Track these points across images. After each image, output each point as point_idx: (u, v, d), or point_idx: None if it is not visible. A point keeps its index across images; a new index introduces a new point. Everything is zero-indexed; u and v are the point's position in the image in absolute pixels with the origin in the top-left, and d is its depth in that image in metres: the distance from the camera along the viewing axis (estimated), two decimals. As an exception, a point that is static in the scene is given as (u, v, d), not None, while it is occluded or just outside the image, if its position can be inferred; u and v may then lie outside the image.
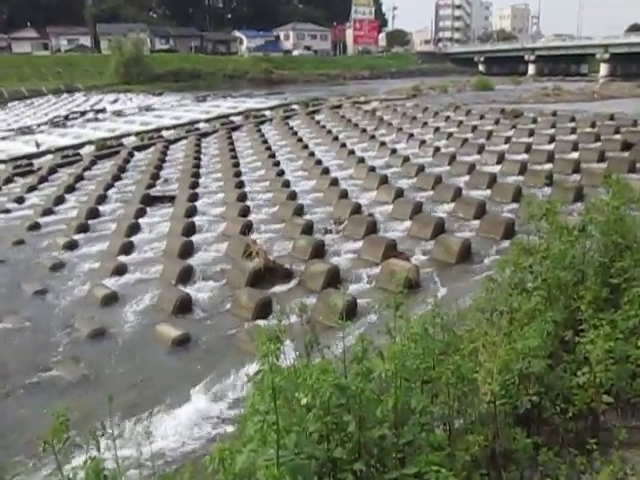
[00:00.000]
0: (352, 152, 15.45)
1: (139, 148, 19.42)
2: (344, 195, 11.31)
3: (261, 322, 6.40)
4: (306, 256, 8.38)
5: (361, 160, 14.34)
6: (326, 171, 13.61)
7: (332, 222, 9.85)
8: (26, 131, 23.88)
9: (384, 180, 12.10)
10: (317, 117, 22.96)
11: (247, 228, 9.61)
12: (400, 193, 11.06)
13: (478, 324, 3.12)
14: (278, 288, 7.53)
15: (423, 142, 15.93)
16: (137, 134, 21.67)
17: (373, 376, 2.39)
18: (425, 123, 19.06)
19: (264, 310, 6.73)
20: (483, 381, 2.59)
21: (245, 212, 10.88)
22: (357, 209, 10.32)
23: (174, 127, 23.15)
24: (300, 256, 8.45)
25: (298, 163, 15.12)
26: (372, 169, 13.20)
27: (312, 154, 15.78)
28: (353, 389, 2.28)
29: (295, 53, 65.79)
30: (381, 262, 7.62)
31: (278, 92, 38.16)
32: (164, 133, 22.16)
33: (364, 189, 11.96)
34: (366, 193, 11.68)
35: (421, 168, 12.93)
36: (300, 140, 18.13)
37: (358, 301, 6.55)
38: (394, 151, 15.13)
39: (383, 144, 16.16)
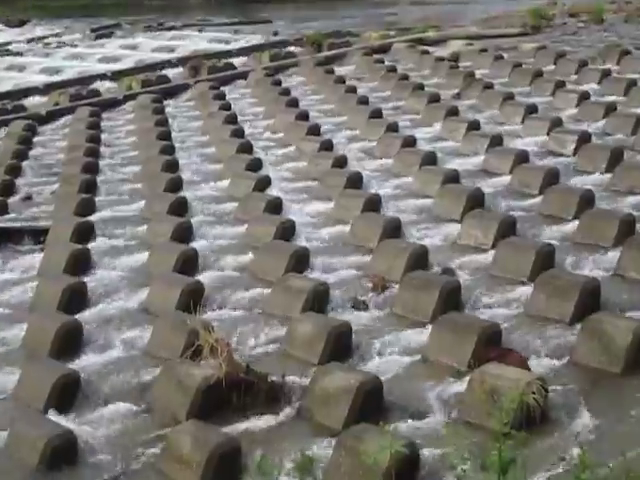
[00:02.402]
0: (410, 142, 15.46)
1: (-24, 131, 20.05)
2: (393, 230, 11.27)
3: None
4: (314, 356, 8.33)
5: (429, 159, 14.30)
6: (356, 181, 13.55)
7: (368, 284, 9.86)
8: None
9: (476, 200, 12.06)
10: (339, 71, 23.12)
11: (194, 297, 9.55)
12: (509, 227, 11.02)
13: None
14: (256, 422, 7.48)
15: (556, 123, 15.90)
16: (-29, 103, 22.44)
17: None
18: (560, 84, 19.02)
19: (227, 468, 6.70)
20: None
21: (190, 264, 10.83)
22: (420, 259, 10.24)
23: (48, 90, 23.39)
24: (302, 356, 8.40)
25: (299, 164, 15.21)
26: (452, 178, 13.19)
27: (327, 146, 15.81)
28: None
29: None
30: (470, 369, 7.56)
31: (259, 20, 38.82)
32: (27, 102, 22.43)
33: (435, 218, 11.94)
34: (439, 226, 11.63)
35: (552, 177, 12.93)
36: (304, 117, 18.24)
37: (422, 452, 6.46)
38: (496, 141, 15.09)
39: (474, 127, 16.17)
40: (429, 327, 8.60)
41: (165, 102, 21.32)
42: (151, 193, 13.96)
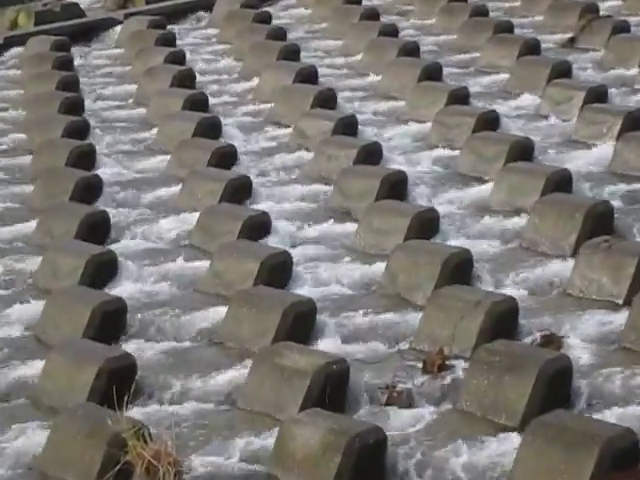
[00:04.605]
0: (489, 121, 14.34)
1: None
2: (457, 269, 10.28)
3: None
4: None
5: (521, 150, 13.27)
6: (397, 187, 12.55)
7: (415, 362, 9.23)
8: None
9: (599, 220, 11.07)
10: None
11: (118, 380, 9.04)
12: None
13: None
14: None
15: None
16: None
17: None
18: None
19: None
20: None
21: (113, 323, 10.08)
22: (503, 319, 9.36)
23: None
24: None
25: (301, 156, 14.30)
26: (559, 182, 12.18)
27: (348, 127, 14.76)
28: None
29: None
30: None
31: None
32: None
33: (527, 251, 11.10)
34: (535, 263, 10.70)
35: None
36: (309, 77, 17.07)
37: None
38: (634, 122, 13.95)
39: (597, 97, 14.74)
40: (519, 436, 7.43)
41: (75, 50, 20.56)
42: (52, 210, 12.62)
